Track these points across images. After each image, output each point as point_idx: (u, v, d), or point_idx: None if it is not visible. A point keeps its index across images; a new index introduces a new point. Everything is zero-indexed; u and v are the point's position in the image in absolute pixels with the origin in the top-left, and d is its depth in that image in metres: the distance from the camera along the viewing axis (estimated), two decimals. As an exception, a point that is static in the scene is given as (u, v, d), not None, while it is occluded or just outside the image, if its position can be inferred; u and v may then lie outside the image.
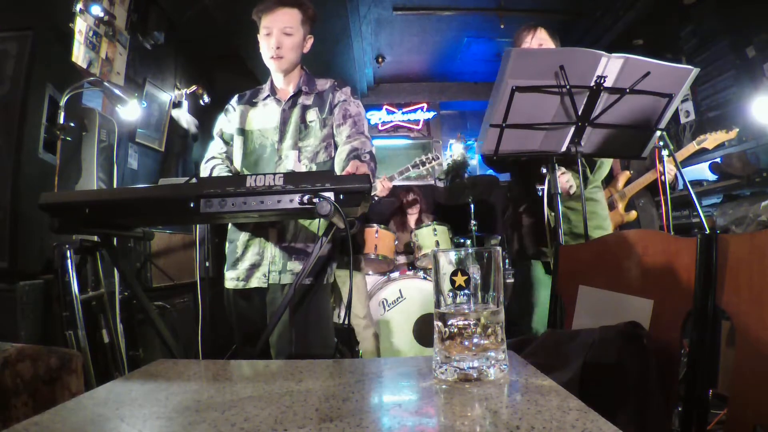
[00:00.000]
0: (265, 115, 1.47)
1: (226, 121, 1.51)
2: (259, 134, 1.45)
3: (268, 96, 1.49)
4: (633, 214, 2.55)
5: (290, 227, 1.38)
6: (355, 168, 1.12)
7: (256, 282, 1.37)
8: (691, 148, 2.37)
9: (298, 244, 1.37)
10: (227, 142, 1.51)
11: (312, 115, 1.44)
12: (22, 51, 1.80)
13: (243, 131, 1.47)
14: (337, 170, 1.36)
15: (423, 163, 2.65)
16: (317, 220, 1.35)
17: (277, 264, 1.35)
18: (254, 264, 1.38)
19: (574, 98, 1.29)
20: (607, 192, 2.50)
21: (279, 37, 1.38)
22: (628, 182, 2.56)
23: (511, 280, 2.94)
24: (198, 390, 0.55)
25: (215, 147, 1.51)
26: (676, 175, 2.11)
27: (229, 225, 1.46)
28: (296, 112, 1.44)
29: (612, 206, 2.49)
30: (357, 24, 3.78)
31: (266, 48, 1.41)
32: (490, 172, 3.08)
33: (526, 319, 1.72)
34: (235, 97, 1.54)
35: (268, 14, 1.39)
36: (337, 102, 1.46)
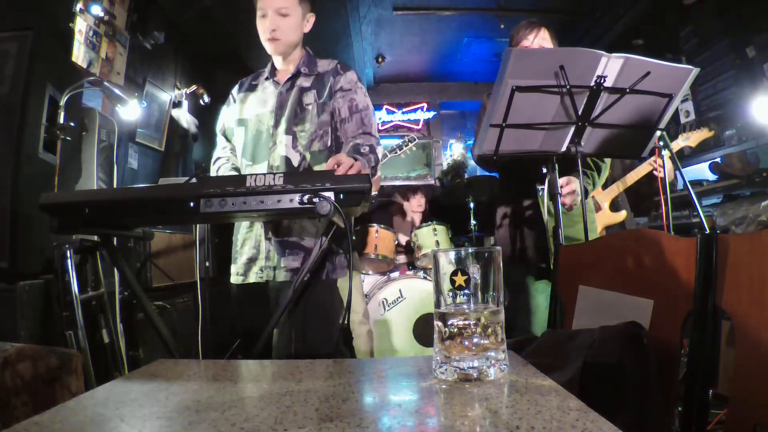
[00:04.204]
0: (262, 99, 1.42)
1: (229, 113, 1.48)
2: (256, 120, 1.40)
3: (268, 78, 1.44)
4: (622, 213, 2.53)
5: (284, 221, 1.35)
6: (335, 162, 1.08)
7: (253, 277, 1.35)
8: (674, 146, 2.40)
9: (292, 237, 1.34)
10: (229, 139, 1.49)
11: (309, 98, 1.37)
12: (22, 51, 1.80)
13: (241, 121, 1.43)
14: None
15: (400, 147, 2.68)
16: None
17: (271, 260, 1.34)
18: (251, 258, 1.36)
19: (574, 98, 1.29)
20: None
21: (274, 19, 1.33)
22: (608, 183, 2.55)
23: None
24: (198, 390, 0.55)
25: (219, 146, 1.50)
26: (675, 174, 2.12)
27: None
28: (293, 95, 1.38)
29: (597, 208, 2.48)
30: (357, 24, 3.78)
31: (262, 30, 1.36)
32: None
33: (522, 321, 1.69)
34: (237, 86, 1.51)
35: None
36: (339, 87, 1.39)
